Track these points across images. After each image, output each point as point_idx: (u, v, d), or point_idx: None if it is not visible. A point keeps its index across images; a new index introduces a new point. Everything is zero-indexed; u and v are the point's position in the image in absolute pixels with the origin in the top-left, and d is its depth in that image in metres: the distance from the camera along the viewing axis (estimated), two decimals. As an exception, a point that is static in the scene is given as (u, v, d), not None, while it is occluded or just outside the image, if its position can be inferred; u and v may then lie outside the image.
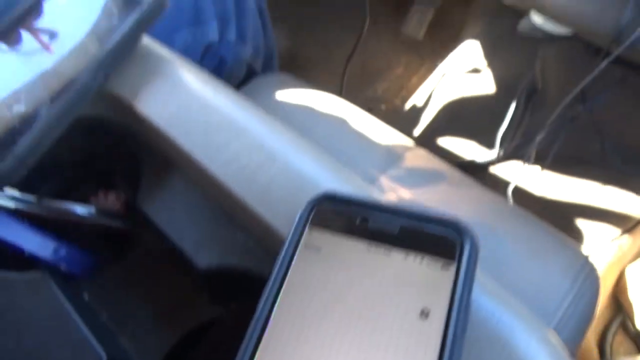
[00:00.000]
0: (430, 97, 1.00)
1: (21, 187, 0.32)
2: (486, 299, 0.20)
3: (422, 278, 0.19)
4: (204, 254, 0.28)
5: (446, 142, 0.91)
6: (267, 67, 0.79)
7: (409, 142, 0.52)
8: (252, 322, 0.19)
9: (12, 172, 0.26)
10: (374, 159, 0.47)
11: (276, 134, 0.27)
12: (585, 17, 0.38)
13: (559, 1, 0.39)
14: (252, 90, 0.56)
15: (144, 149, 0.32)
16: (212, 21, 0.57)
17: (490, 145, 0.82)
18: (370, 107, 1.18)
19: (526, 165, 0.73)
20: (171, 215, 0.30)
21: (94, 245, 0.34)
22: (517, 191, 0.73)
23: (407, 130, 1.05)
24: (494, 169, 0.81)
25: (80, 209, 0.35)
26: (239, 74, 0.72)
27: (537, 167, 0.76)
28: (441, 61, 1.07)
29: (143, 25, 0.31)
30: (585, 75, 0.44)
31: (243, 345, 0.18)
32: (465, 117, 0.91)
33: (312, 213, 0.21)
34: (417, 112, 1.02)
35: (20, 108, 0.29)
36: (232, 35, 0.61)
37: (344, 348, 0.18)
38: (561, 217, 0.75)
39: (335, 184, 0.24)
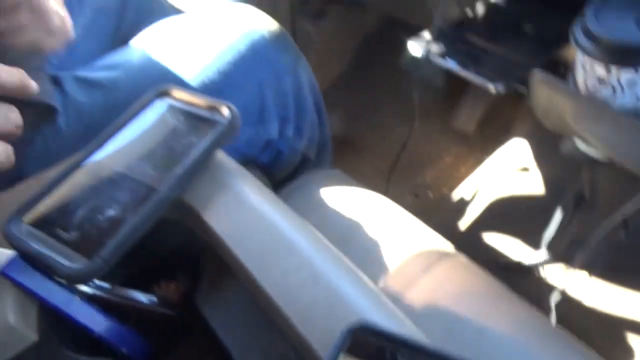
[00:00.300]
0: (477, 190, 1.02)
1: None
2: None
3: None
4: (249, 358, 0.31)
5: (491, 238, 0.92)
6: (320, 155, 0.84)
7: (449, 247, 0.54)
8: None
9: (99, 270, 0.31)
10: (413, 263, 0.49)
11: (323, 254, 0.30)
12: (623, 151, 0.40)
13: (597, 133, 0.41)
14: (302, 185, 0.61)
15: (206, 251, 0.36)
16: (274, 121, 0.64)
17: (536, 246, 0.82)
18: (418, 193, 1.21)
19: (573, 271, 0.72)
20: (223, 315, 0.33)
21: (151, 332, 0.37)
22: (563, 298, 0.72)
23: (453, 221, 1.06)
24: (539, 272, 0.81)
25: (143, 297, 0.39)
26: (293, 162, 0.77)
27: (585, 274, 0.75)
28: (490, 155, 1.09)
29: (218, 144, 0.37)
30: (632, 198, 0.45)
31: None
32: (511, 215, 0.92)
33: (348, 341, 0.24)
34: (464, 204, 1.03)
35: (110, 212, 0.34)
36: (290, 132, 0.67)
37: None
38: (610, 331, 0.72)
39: (372, 313, 0.27)
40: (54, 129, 0.56)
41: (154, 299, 0.39)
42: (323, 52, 1.38)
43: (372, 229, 0.52)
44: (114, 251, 0.32)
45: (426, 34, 0.66)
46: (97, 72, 0.61)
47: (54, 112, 0.55)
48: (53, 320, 0.35)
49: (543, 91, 0.46)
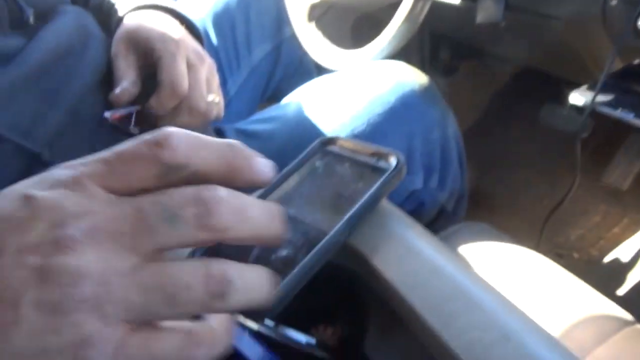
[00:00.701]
0: (639, 255, 0.90)
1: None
2: None
3: None
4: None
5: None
6: (457, 207, 0.81)
7: (626, 315, 0.47)
8: None
9: (275, 308, 0.32)
10: (586, 330, 0.44)
11: (508, 310, 0.28)
12: None
13: None
14: (449, 237, 0.59)
15: (372, 297, 0.36)
16: (419, 171, 0.63)
17: None
18: (560, 253, 1.11)
19: None
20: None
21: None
22: None
23: (604, 284, 0.95)
24: None
25: (302, 338, 0.39)
26: (432, 213, 0.76)
27: None
28: (651, 215, 0.97)
29: (386, 190, 0.37)
30: None
31: None
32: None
33: None
34: (620, 267, 0.92)
35: (283, 253, 0.35)
36: (434, 183, 0.66)
37: None
38: None
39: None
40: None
41: (313, 341, 0.39)
42: (453, 106, 1.37)
43: (531, 289, 0.48)
44: (288, 290, 0.32)
45: (583, 87, 0.62)
46: (254, 125, 0.67)
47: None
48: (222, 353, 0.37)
49: None
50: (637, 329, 0.46)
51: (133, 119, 0.50)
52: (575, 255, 1.09)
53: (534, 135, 1.31)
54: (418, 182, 0.64)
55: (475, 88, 1.39)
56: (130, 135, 0.50)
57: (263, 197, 0.40)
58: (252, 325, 0.38)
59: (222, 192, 0.21)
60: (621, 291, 0.86)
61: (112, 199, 0.21)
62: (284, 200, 0.39)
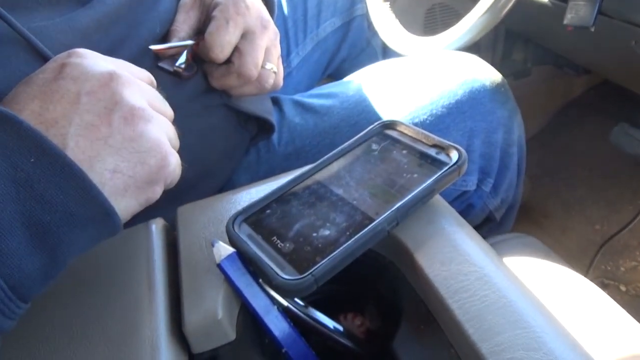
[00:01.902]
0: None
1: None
2: None
3: None
4: None
5: None
6: (505, 218, 0.78)
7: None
8: None
9: (309, 288, 0.31)
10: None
11: (558, 333, 0.26)
12: None
13: None
14: (499, 244, 0.56)
15: (408, 294, 0.34)
16: (474, 172, 0.60)
17: None
18: (606, 283, 1.05)
19: None
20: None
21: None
22: None
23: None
24: None
25: (330, 323, 0.38)
26: (478, 219, 0.73)
27: None
28: None
29: (442, 185, 0.35)
30: None
31: None
32: None
33: None
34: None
35: (325, 232, 0.34)
36: (488, 187, 0.63)
37: None
38: None
39: None
40: (268, 144, 0.61)
41: (340, 328, 0.38)
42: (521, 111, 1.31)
43: (578, 317, 0.45)
44: (326, 271, 0.31)
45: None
46: (313, 98, 0.65)
47: (272, 129, 0.60)
48: (249, 323, 0.36)
49: None
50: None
51: (183, 57, 0.49)
52: (622, 287, 1.03)
53: (598, 154, 1.24)
54: (471, 184, 0.61)
55: (546, 95, 1.32)
56: (177, 75, 0.50)
57: (314, 172, 0.39)
58: (282, 301, 0.37)
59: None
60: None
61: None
62: (333, 179, 0.38)
